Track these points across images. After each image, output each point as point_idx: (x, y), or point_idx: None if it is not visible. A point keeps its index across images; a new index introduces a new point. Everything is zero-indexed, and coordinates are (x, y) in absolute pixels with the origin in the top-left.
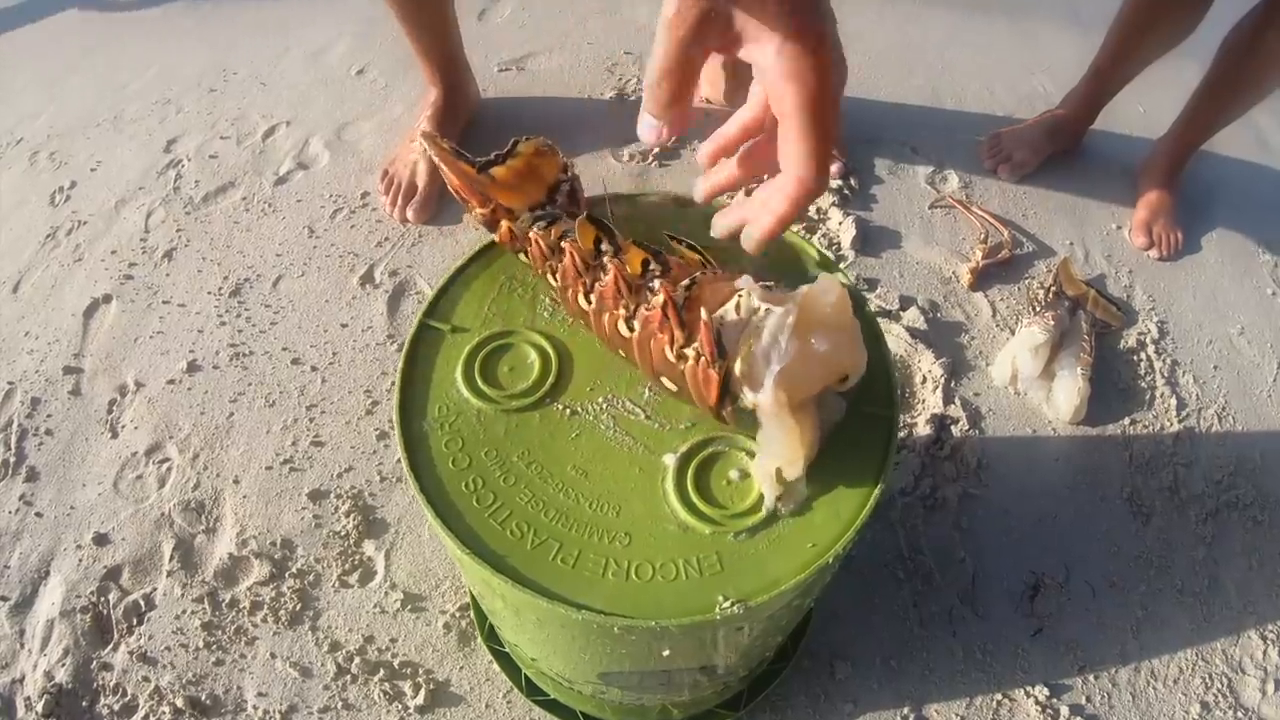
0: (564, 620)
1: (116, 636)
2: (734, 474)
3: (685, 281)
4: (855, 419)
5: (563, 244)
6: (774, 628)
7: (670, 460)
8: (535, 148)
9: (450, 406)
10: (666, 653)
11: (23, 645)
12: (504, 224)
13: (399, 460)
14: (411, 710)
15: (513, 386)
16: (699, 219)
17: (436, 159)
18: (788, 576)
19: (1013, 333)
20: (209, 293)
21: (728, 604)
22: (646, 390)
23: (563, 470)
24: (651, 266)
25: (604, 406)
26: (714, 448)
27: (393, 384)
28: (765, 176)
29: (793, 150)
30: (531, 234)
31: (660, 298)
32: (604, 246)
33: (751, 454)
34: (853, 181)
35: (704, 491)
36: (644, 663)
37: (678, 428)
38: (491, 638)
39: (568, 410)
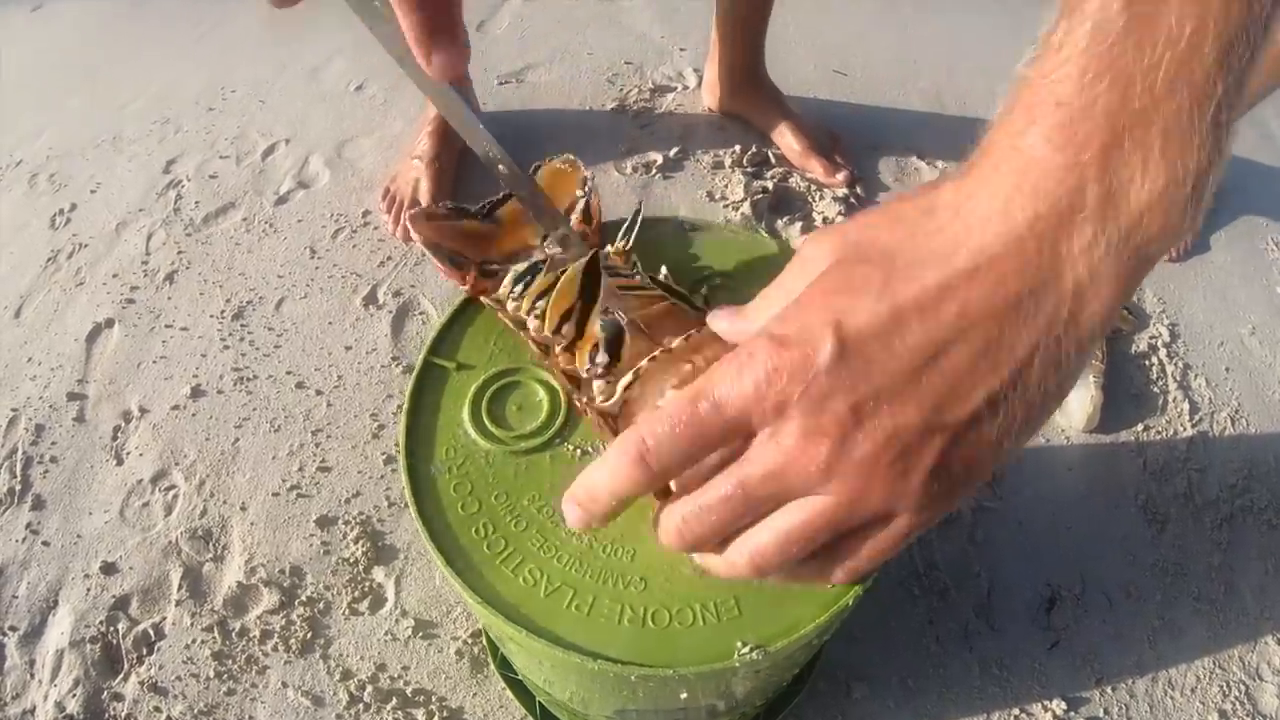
0: (579, 668)
1: (127, 666)
2: None
3: (625, 380)
4: None
5: (527, 321)
6: (793, 663)
7: None
8: (553, 169)
9: (458, 449)
10: (684, 695)
11: (33, 675)
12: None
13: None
14: None
15: (522, 426)
16: (709, 244)
17: (429, 253)
18: (808, 619)
19: None
20: (211, 316)
21: (746, 649)
22: None
23: None
24: (597, 359)
25: None
26: None
27: (397, 413)
28: None
29: None
30: (509, 306)
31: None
32: (564, 330)
33: None
34: (859, 190)
35: None
36: (661, 703)
37: None
38: (504, 665)
39: (579, 451)
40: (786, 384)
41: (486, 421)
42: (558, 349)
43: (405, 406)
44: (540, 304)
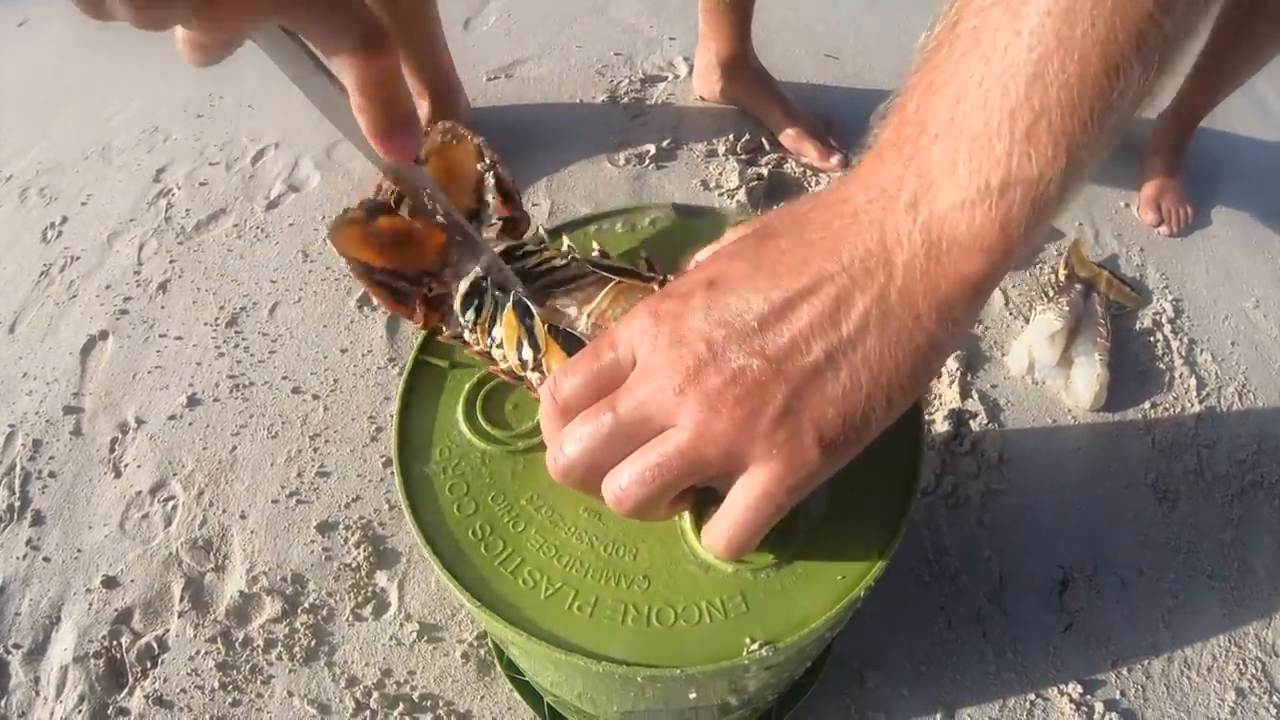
0: (584, 670)
1: (131, 680)
2: None
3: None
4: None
5: (492, 353)
6: (805, 657)
7: None
8: (440, 137)
9: (453, 449)
10: (693, 695)
11: (38, 693)
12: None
13: None
14: None
15: (518, 425)
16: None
17: (362, 283)
18: (818, 613)
19: (1027, 321)
20: (205, 323)
21: (755, 646)
22: None
23: (574, 513)
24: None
25: None
26: None
27: (392, 422)
28: None
29: None
30: (467, 338)
31: None
32: (524, 356)
33: None
34: None
35: None
36: (670, 703)
37: None
38: (511, 667)
39: None
40: (661, 325)
41: (482, 420)
42: (529, 374)
43: (397, 407)
44: (496, 334)
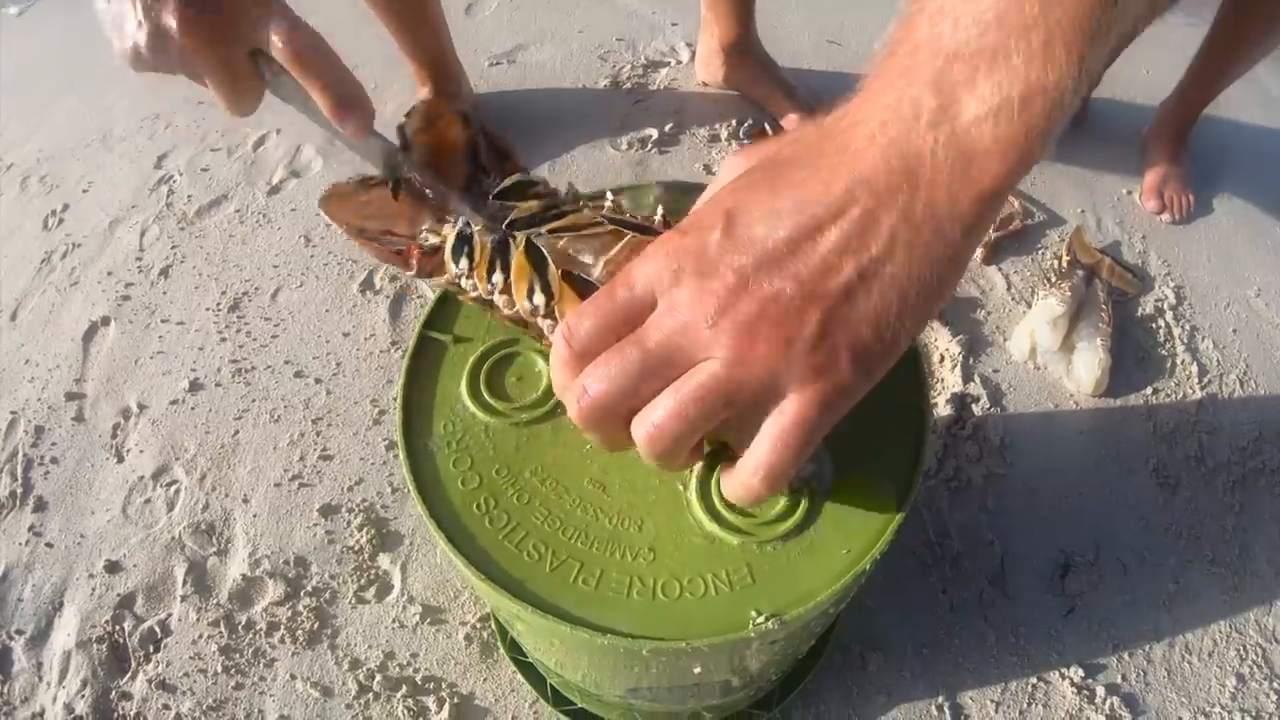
0: (588, 644)
1: (134, 665)
2: None
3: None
4: (884, 412)
5: (494, 300)
6: (809, 633)
7: (692, 467)
8: (425, 112)
9: (457, 423)
10: (697, 669)
11: (41, 678)
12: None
13: None
14: None
15: (521, 398)
16: None
17: (356, 239)
18: (824, 586)
19: (1029, 306)
20: (207, 309)
21: (761, 619)
22: None
23: (579, 485)
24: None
25: None
26: None
27: (395, 397)
28: None
29: None
30: (464, 285)
31: None
32: (536, 301)
33: None
34: None
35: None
36: (674, 679)
37: None
38: (514, 649)
39: None
40: (683, 260)
41: (485, 394)
42: (538, 320)
43: (401, 382)
44: (496, 280)
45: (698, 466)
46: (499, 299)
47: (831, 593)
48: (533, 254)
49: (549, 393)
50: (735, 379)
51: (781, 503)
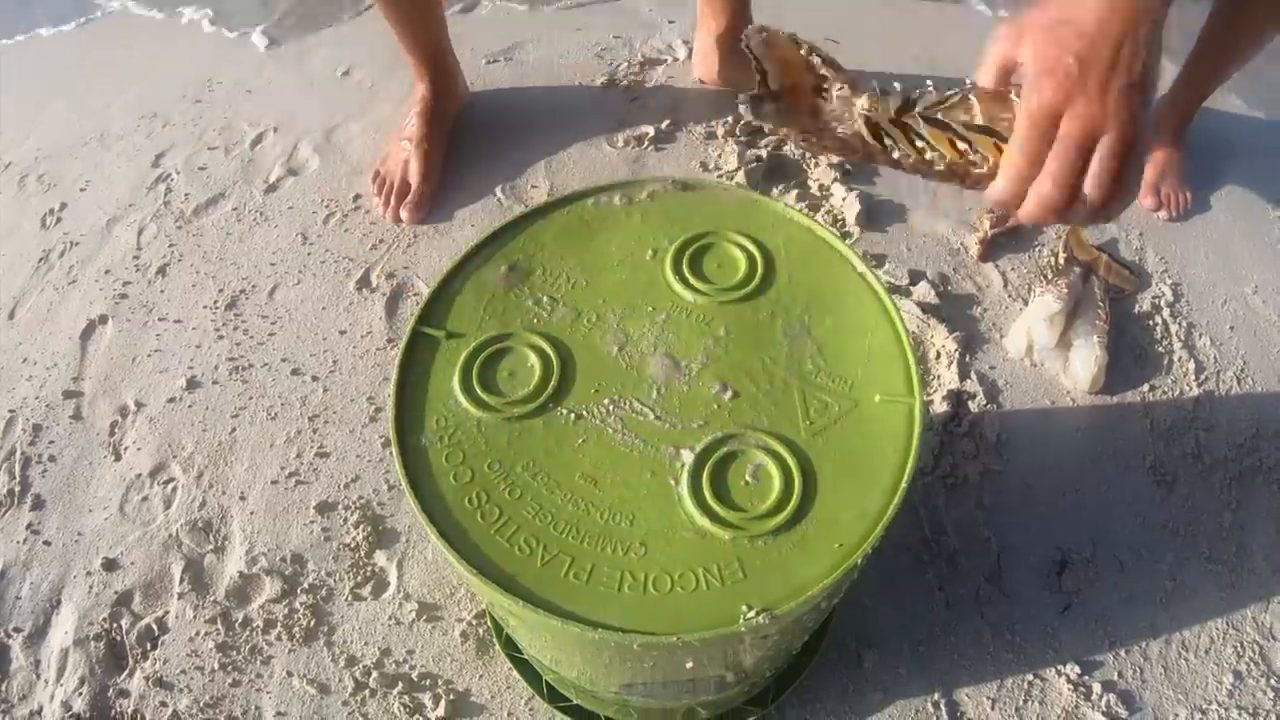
0: (580, 639)
1: (131, 662)
2: (751, 473)
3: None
4: (877, 408)
5: (926, 158)
6: (801, 629)
7: (684, 462)
8: (757, 39)
9: (449, 418)
10: (690, 664)
11: (39, 676)
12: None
13: None
14: None
15: (513, 393)
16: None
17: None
18: (814, 580)
19: (1026, 303)
20: (205, 307)
21: (752, 613)
22: (655, 389)
23: (571, 479)
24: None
25: (610, 409)
26: (730, 446)
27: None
28: None
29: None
30: (896, 156)
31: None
32: (961, 147)
33: (768, 450)
34: None
35: (721, 494)
36: (667, 674)
37: (690, 426)
38: (510, 645)
39: (572, 415)
40: (1069, 90)
41: (478, 389)
42: (972, 154)
43: (394, 377)
44: (922, 147)
45: (689, 461)
46: (930, 155)
47: (822, 587)
48: (935, 124)
49: (541, 387)
50: (1085, 126)
51: (773, 496)
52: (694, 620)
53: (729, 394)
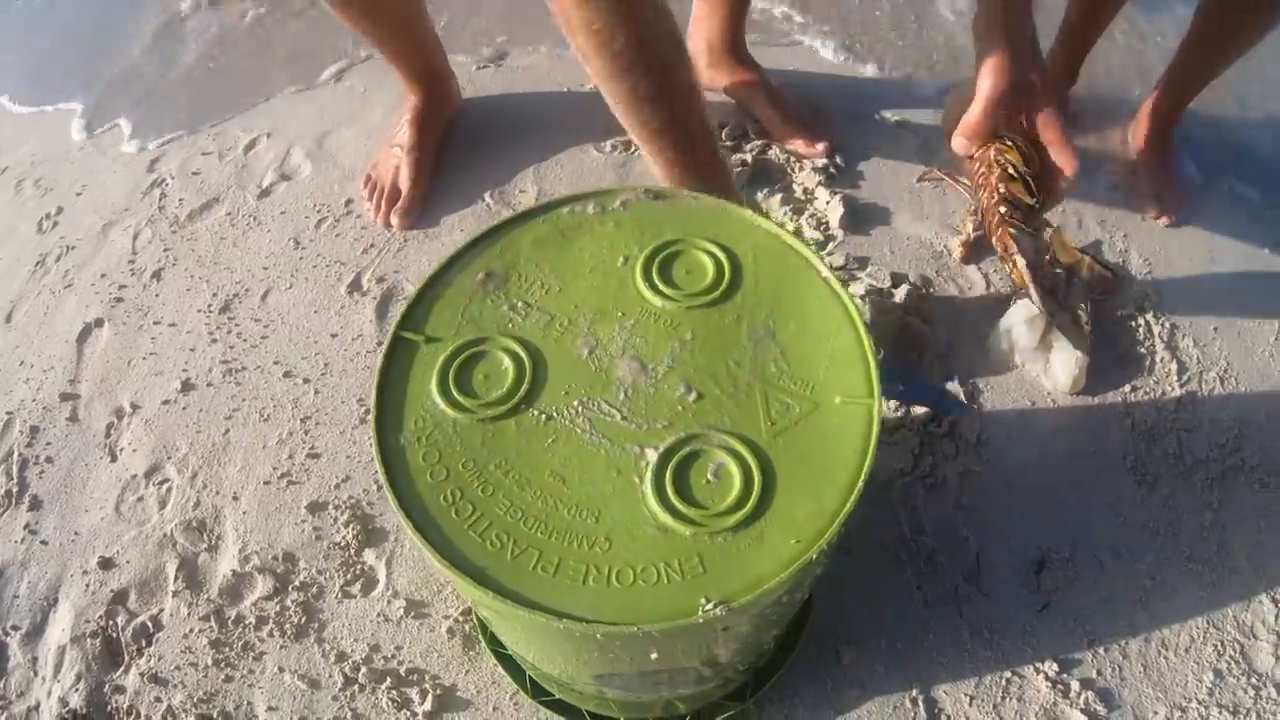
0: (547, 629)
1: (127, 659)
2: (713, 471)
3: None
4: (835, 410)
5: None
6: (767, 623)
7: (648, 461)
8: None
9: (427, 419)
10: (654, 655)
11: (36, 673)
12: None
13: None
14: (420, 717)
15: (487, 395)
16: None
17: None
18: (771, 575)
19: (1007, 305)
20: (199, 310)
21: (710, 606)
22: (622, 391)
23: (540, 477)
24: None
25: (579, 410)
26: (692, 446)
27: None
28: None
29: None
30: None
31: None
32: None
33: (729, 450)
34: (839, 159)
35: (683, 492)
36: (636, 665)
37: (655, 427)
38: (495, 641)
39: (543, 416)
40: None
41: (454, 391)
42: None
43: (375, 381)
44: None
45: (653, 460)
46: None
47: (779, 581)
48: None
49: (513, 390)
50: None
51: (733, 494)
52: (655, 612)
53: (693, 396)
